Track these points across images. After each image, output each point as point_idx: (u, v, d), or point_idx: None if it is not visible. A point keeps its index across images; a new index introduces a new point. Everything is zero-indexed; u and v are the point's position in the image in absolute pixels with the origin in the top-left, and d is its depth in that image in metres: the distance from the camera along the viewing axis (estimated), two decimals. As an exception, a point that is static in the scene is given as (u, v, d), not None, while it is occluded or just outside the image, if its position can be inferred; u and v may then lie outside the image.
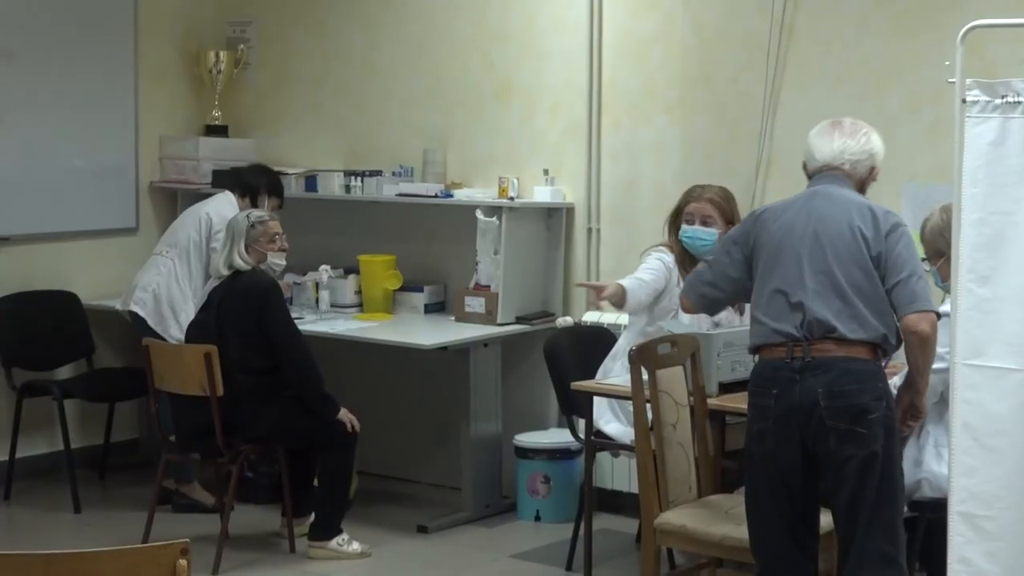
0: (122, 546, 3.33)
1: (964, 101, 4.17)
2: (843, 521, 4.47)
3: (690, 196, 6.04)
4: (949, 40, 6.04)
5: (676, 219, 6.04)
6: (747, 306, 6.13)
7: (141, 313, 6.97)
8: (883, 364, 4.54)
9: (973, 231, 4.18)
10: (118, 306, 7.15)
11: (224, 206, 7.01)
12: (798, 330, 4.44)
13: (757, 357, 4.61)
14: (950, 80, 4.13)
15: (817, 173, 4.69)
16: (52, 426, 7.43)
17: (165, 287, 6.98)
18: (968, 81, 4.12)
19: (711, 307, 4.98)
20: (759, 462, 4.55)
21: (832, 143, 4.73)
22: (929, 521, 4.94)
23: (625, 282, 5.86)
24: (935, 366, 4.84)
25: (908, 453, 4.99)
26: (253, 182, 7.10)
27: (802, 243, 4.53)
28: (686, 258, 6.00)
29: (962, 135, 4.18)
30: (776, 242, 4.59)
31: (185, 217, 7.19)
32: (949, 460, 4.28)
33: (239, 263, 6.30)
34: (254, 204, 7.00)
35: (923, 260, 4.92)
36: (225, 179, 7.40)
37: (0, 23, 7.47)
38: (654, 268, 5.98)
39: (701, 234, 5.96)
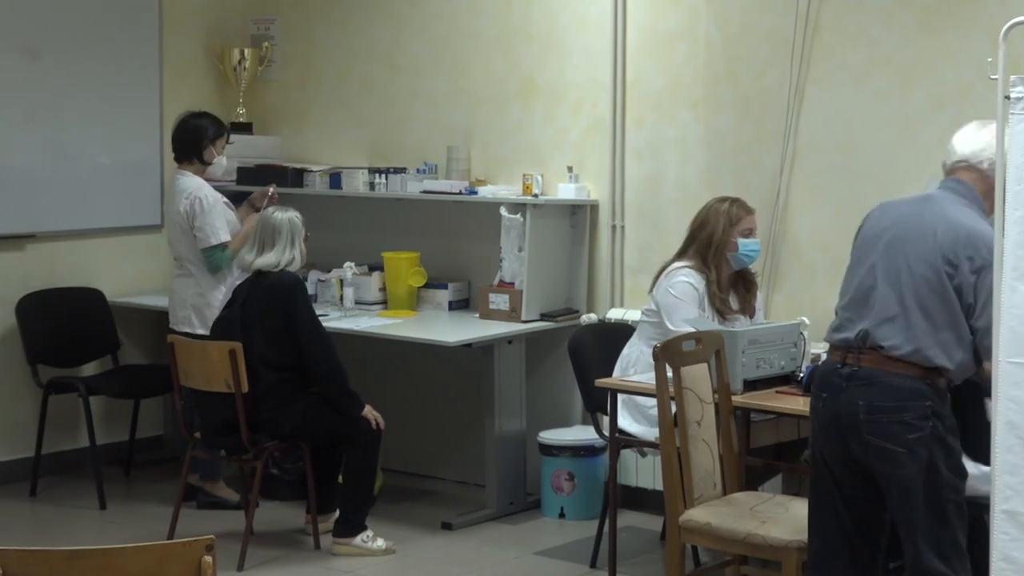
0: (147, 542, 3.33)
1: (1007, 98, 4.14)
2: (901, 536, 4.42)
3: (744, 209, 6.01)
4: (974, 37, 6.08)
5: (725, 236, 5.99)
6: (757, 307, 6.15)
7: (192, 331, 6.90)
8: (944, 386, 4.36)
9: (1017, 228, 4.12)
10: (172, 325, 7.09)
11: (182, 185, 6.99)
12: (855, 337, 4.35)
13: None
14: (992, 76, 4.10)
15: (950, 174, 4.49)
16: (77, 423, 7.46)
17: (200, 296, 6.96)
18: (1012, 78, 4.08)
19: None
20: (814, 461, 4.53)
21: (979, 136, 4.51)
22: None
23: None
24: None
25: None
26: (190, 142, 7.04)
27: (884, 250, 4.39)
28: (729, 276, 6.00)
29: (1003, 132, 4.14)
30: (865, 241, 4.49)
31: (171, 225, 7.13)
32: (992, 458, 4.25)
33: (298, 261, 6.34)
34: (202, 160, 7.00)
35: None
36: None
37: (27, 21, 7.49)
38: (692, 297, 5.95)
39: (757, 246, 6.01)
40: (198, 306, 6.95)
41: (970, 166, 4.45)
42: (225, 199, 7.03)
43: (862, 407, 4.32)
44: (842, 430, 4.37)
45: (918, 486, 4.31)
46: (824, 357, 4.61)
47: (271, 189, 7.05)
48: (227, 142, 7.18)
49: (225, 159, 7.17)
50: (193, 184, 6.96)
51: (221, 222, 6.89)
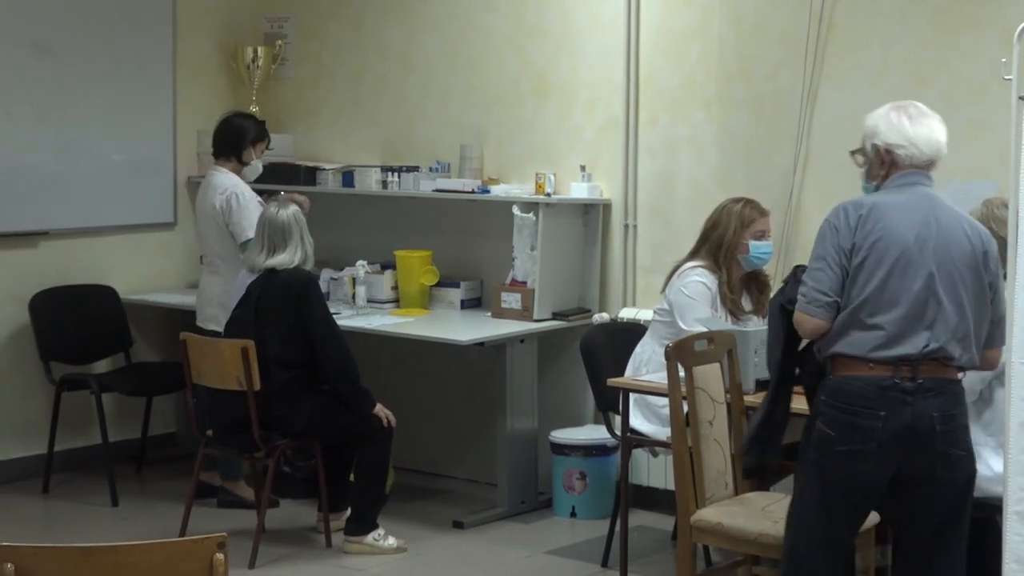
0: (159, 539, 3.34)
1: (1021, 98, 4.13)
2: (925, 540, 4.39)
3: (757, 211, 5.99)
4: (988, 37, 6.06)
5: (736, 238, 5.97)
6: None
7: (218, 329, 6.92)
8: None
9: None
10: (199, 323, 7.10)
11: (217, 181, 7.01)
12: (919, 352, 4.24)
13: (833, 368, 4.37)
14: (1006, 77, 4.09)
15: (917, 170, 4.35)
16: (90, 420, 7.46)
17: (228, 295, 6.96)
18: (1027, 78, 4.08)
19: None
20: (840, 483, 4.36)
21: (935, 133, 4.40)
22: (971, 519, 4.91)
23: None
24: None
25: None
26: (231, 141, 7.08)
27: (933, 258, 4.29)
28: (740, 277, 6.00)
29: (1019, 132, 4.13)
30: (898, 250, 4.31)
31: (203, 219, 7.14)
32: (1005, 459, 4.24)
33: (311, 258, 6.34)
34: (240, 159, 7.02)
35: None
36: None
37: (40, 18, 7.50)
38: (704, 297, 5.94)
39: (769, 248, 6.02)
40: (226, 304, 6.95)
41: (934, 163, 4.43)
42: (259, 198, 7.02)
43: (937, 418, 4.25)
44: (911, 445, 4.25)
45: (971, 487, 4.36)
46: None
47: (305, 202, 6.91)
48: (266, 148, 7.21)
49: (261, 164, 7.18)
50: (229, 181, 6.97)
51: (257, 217, 6.87)
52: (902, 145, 4.39)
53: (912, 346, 4.26)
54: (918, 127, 4.40)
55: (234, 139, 7.08)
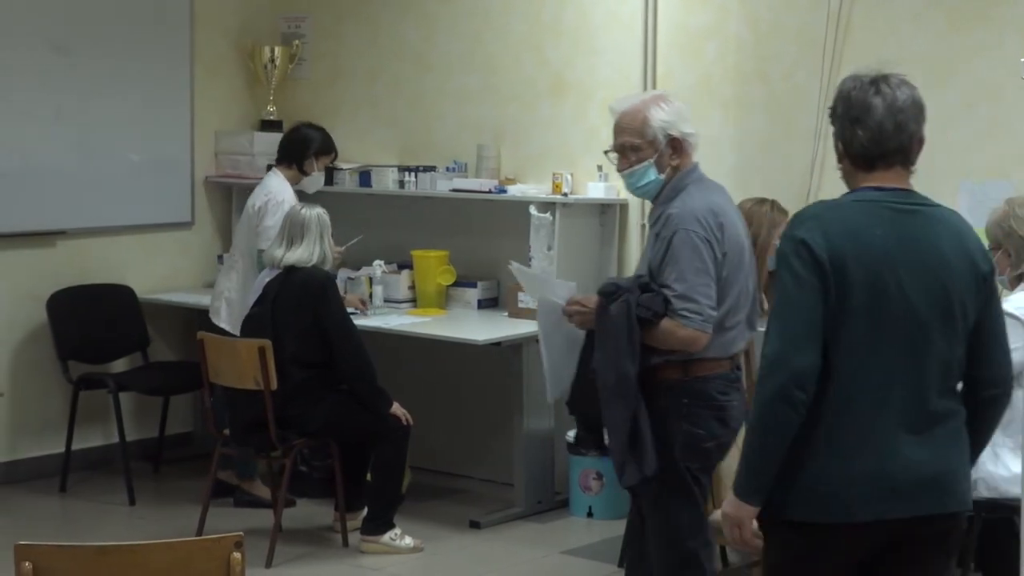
0: (176, 539, 3.34)
1: None
2: None
3: (782, 212, 5.92)
4: (1005, 36, 6.05)
5: (768, 239, 5.90)
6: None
7: (219, 324, 6.95)
8: None
9: None
10: (211, 316, 7.14)
11: (270, 183, 7.03)
12: (745, 342, 4.56)
13: (689, 371, 4.47)
14: (1024, 76, 4.09)
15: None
16: (107, 419, 7.48)
17: (239, 290, 6.98)
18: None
19: None
20: (707, 479, 4.67)
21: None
22: (985, 521, 4.90)
23: None
24: None
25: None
26: (296, 149, 7.10)
27: (752, 255, 4.48)
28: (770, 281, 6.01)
29: None
30: (743, 255, 4.51)
31: (243, 214, 7.18)
32: (1022, 462, 4.23)
33: (329, 259, 6.35)
34: (302, 168, 7.02)
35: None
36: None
37: (57, 18, 7.52)
38: None
39: None
40: (231, 300, 6.98)
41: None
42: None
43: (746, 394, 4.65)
44: (740, 425, 4.43)
45: None
46: None
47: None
48: (330, 163, 7.23)
49: (322, 179, 7.17)
50: (278, 186, 6.97)
51: None
52: (694, 133, 4.58)
53: (744, 340, 4.57)
54: (690, 113, 4.61)
55: (298, 148, 7.08)
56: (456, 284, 7.48)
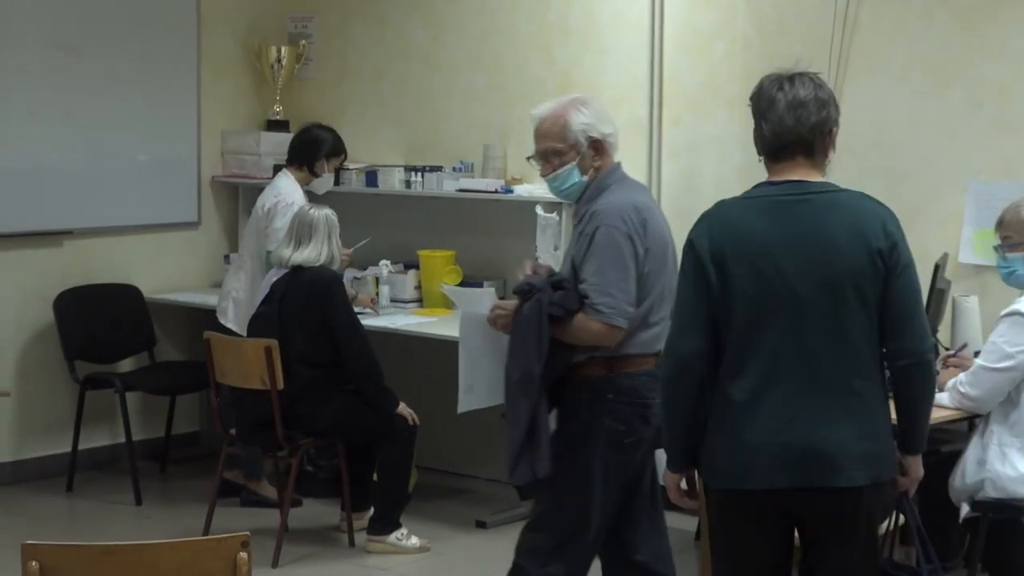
0: (182, 538, 3.34)
1: None
2: (649, 501, 4.73)
3: None
4: (1014, 35, 6.04)
5: None
6: None
7: (226, 324, 6.95)
8: None
9: None
10: (217, 315, 7.15)
11: (279, 184, 7.02)
12: None
13: (615, 367, 4.49)
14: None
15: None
16: (114, 418, 7.49)
17: (246, 291, 6.98)
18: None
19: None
20: (620, 474, 4.62)
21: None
22: (991, 522, 4.89)
23: None
24: (1001, 364, 4.82)
25: (971, 453, 4.95)
26: (307, 150, 7.09)
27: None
28: None
29: None
30: (668, 250, 4.56)
31: (253, 214, 7.16)
32: None
33: (337, 260, 6.35)
34: (312, 170, 7.02)
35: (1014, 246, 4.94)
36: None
37: (65, 18, 7.52)
38: None
39: None
40: (239, 300, 6.98)
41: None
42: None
43: None
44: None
45: None
46: None
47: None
48: (340, 164, 7.21)
49: (332, 180, 7.17)
50: (288, 188, 6.96)
51: None
52: (614, 133, 4.59)
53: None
54: (610, 114, 4.63)
55: (309, 149, 7.08)
56: (462, 284, 7.47)
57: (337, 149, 7.16)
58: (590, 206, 4.55)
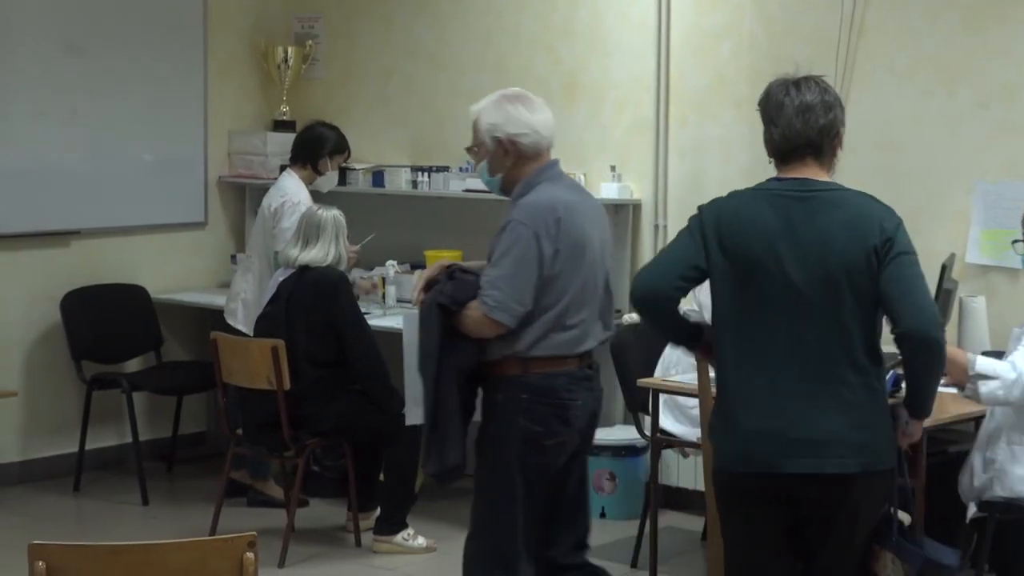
0: (189, 538, 3.35)
1: None
2: (573, 502, 4.77)
3: None
4: (1020, 36, 6.04)
5: None
6: None
7: (236, 325, 6.95)
8: None
9: None
10: (225, 316, 7.14)
11: (284, 184, 7.03)
12: (597, 341, 4.68)
13: (529, 367, 4.50)
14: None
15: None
16: (121, 418, 7.49)
17: (255, 292, 6.98)
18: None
19: None
20: (542, 477, 4.63)
21: (551, 118, 4.66)
22: (998, 522, 4.89)
23: None
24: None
25: (979, 451, 4.94)
26: (310, 149, 7.09)
27: (603, 253, 4.63)
28: None
29: None
30: (588, 254, 4.56)
31: (259, 215, 7.16)
32: None
33: (344, 260, 6.36)
34: (316, 168, 7.02)
35: None
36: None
37: (71, 19, 7.53)
38: None
39: None
40: (248, 302, 6.98)
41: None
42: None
43: (602, 394, 4.81)
44: (592, 423, 4.73)
45: None
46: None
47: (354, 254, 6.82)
48: (344, 161, 7.22)
49: (336, 178, 7.17)
50: (293, 187, 6.97)
51: None
52: (525, 133, 4.56)
53: (594, 339, 4.58)
54: (537, 114, 4.61)
55: (312, 147, 7.08)
56: (469, 284, 7.46)
57: (340, 147, 7.16)
58: (513, 205, 4.60)
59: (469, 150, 4.71)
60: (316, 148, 7.08)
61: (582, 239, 4.52)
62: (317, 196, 7.02)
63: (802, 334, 3.82)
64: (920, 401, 3.93)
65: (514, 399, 4.49)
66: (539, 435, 4.49)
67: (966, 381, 4.51)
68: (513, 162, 4.58)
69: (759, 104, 4.05)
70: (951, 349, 4.40)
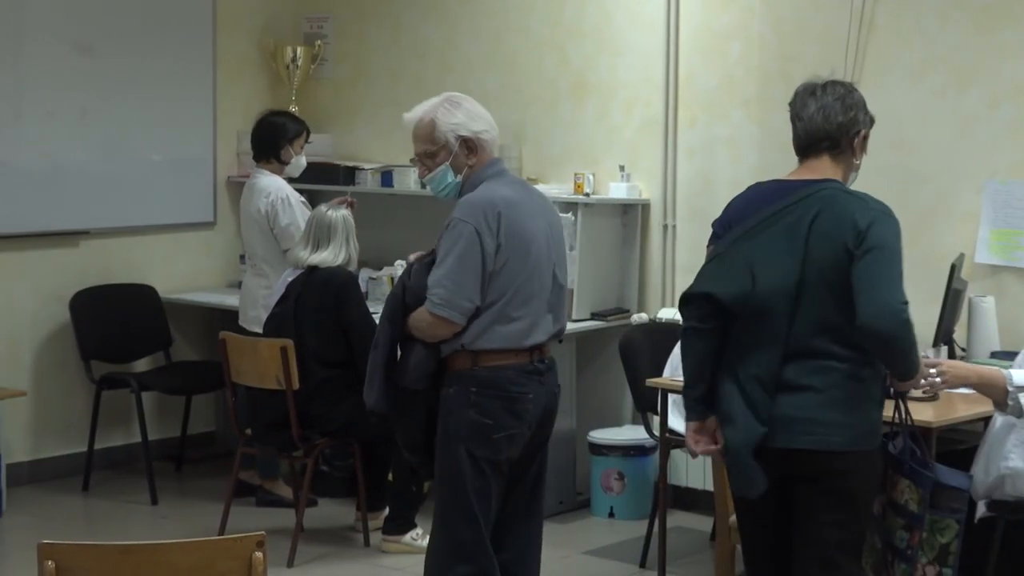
0: (198, 538, 3.35)
1: None
2: (528, 498, 4.82)
3: None
4: (1032, 35, 6.02)
5: None
6: None
7: (256, 331, 6.93)
8: None
9: None
10: (241, 323, 7.09)
11: (261, 184, 7.00)
12: (547, 336, 4.74)
13: (477, 361, 4.58)
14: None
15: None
16: (130, 418, 7.50)
17: (272, 297, 6.96)
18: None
19: None
20: (495, 469, 4.69)
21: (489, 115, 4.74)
22: (1007, 523, 4.87)
23: None
24: None
25: (990, 446, 4.92)
26: (268, 142, 7.06)
27: (554, 250, 4.71)
28: None
29: None
30: (534, 249, 4.61)
31: (248, 223, 7.12)
32: None
33: (354, 260, 6.36)
34: (280, 159, 7.01)
35: None
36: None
37: (81, 18, 7.54)
38: None
39: None
40: (270, 307, 6.96)
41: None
42: (303, 199, 7.02)
43: (557, 388, 4.90)
44: (546, 418, 4.80)
45: None
46: None
47: (349, 197, 6.89)
48: (306, 141, 7.19)
49: (304, 159, 7.16)
50: (273, 184, 6.96)
51: (302, 223, 6.85)
52: (486, 130, 4.64)
53: (543, 332, 4.63)
54: (486, 112, 4.69)
55: (271, 139, 7.06)
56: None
57: (298, 130, 7.13)
58: (458, 201, 4.64)
59: (421, 158, 4.70)
60: (275, 139, 7.05)
61: (526, 234, 4.56)
62: (291, 182, 7.03)
63: (791, 321, 4.02)
64: (898, 375, 4.11)
65: (463, 392, 4.56)
66: (488, 428, 4.56)
67: (1007, 400, 4.45)
68: (475, 161, 4.63)
69: (789, 104, 4.25)
70: (987, 372, 4.44)
